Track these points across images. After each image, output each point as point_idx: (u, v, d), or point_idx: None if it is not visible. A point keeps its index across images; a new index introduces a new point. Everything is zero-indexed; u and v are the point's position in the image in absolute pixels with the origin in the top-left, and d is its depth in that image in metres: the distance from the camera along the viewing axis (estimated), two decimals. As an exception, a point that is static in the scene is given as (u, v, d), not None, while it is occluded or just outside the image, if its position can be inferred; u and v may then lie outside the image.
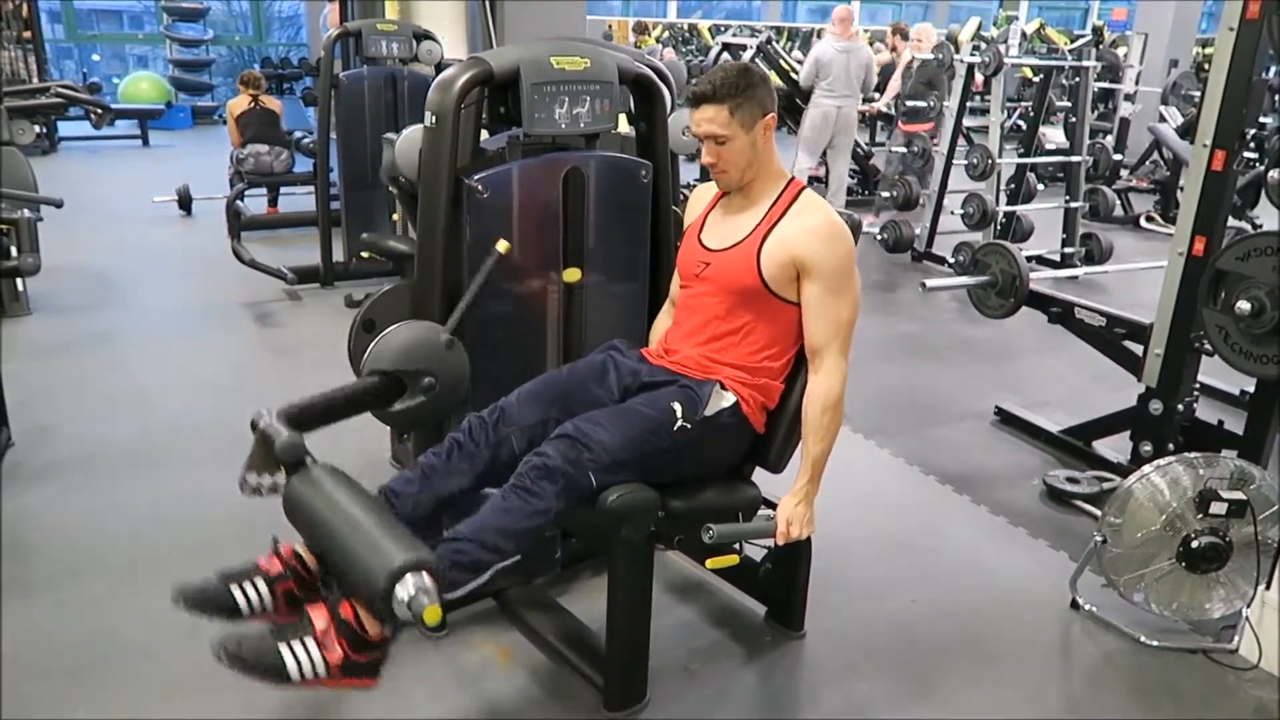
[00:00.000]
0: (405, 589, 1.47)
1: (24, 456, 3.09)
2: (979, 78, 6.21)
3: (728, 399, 1.96)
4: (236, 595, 1.68)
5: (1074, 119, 6.25)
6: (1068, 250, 6.22)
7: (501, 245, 2.07)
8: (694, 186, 2.27)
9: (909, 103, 6.92)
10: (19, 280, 4.50)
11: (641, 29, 12.43)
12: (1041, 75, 6.59)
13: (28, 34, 9.61)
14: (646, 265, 2.36)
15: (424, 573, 1.50)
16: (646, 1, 18.45)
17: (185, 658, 2.17)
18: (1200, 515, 2.31)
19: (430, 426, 2.17)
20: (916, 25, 6.98)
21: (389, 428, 2.77)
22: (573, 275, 2.22)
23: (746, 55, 7.83)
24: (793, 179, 2.03)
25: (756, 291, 1.96)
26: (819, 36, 11.28)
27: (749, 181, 2.00)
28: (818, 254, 1.92)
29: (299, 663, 1.57)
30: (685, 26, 14.07)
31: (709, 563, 2.10)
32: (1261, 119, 6.11)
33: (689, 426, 1.89)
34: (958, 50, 6.51)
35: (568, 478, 1.76)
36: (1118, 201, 7.43)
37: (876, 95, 7.86)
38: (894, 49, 7.85)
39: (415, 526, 1.72)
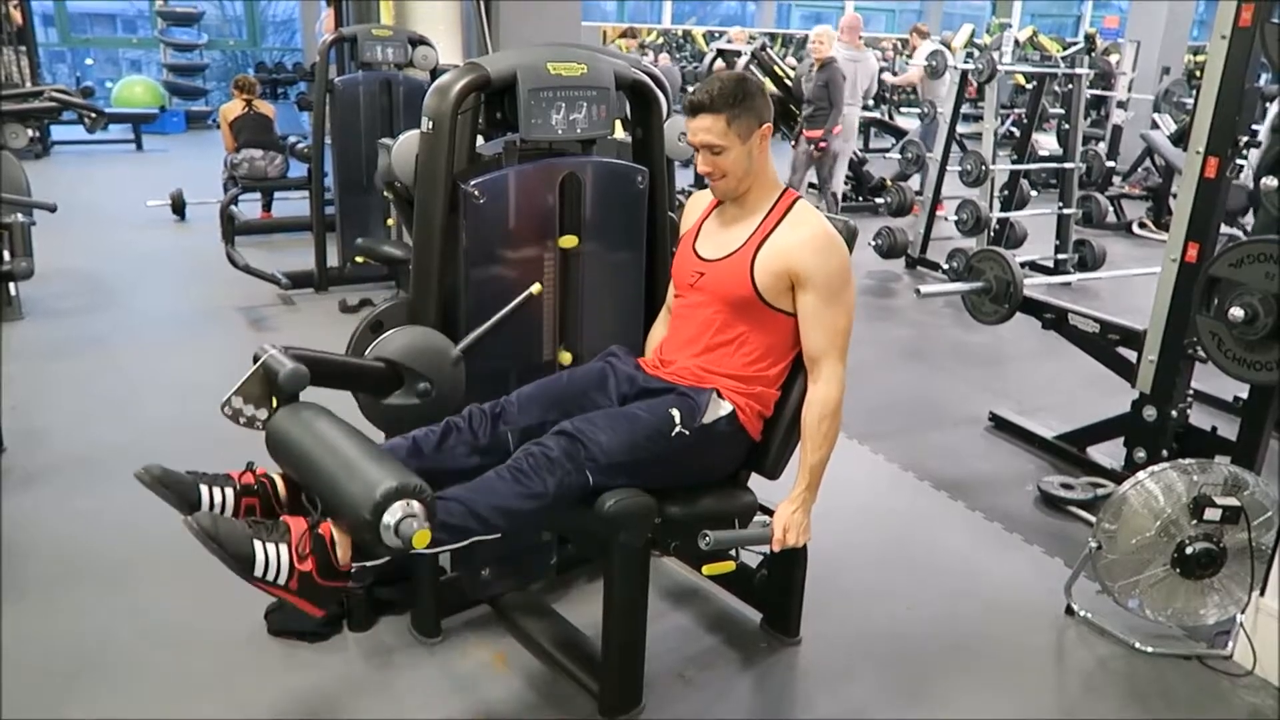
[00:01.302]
0: (393, 514, 1.45)
1: (17, 461, 3.08)
2: (973, 84, 6.23)
3: (725, 407, 1.96)
4: (202, 490, 1.72)
5: (1067, 126, 6.28)
6: (1061, 256, 6.24)
7: (535, 288, 2.13)
8: (689, 192, 2.27)
9: (808, 106, 6.77)
10: (12, 284, 4.49)
11: (623, 34, 12.13)
12: (1035, 82, 6.61)
13: (19, 18, 9.49)
14: (642, 271, 2.36)
15: (413, 500, 1.49)
16: (641, 4, 18.48)
17: (178, 661, 2.17)
18: (1194, 521, 2.31)
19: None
20: (816, 28, 6.89)
21: (376, 428, 2.76)
22: (570, 241, 2.20)
23: (741, 62, 7.85)
24: (787, 189, 2.04)
25: (750, 302, 1.96)
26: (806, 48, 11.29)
27: (744, 191, 2.01)
28: (811, 265, 1.92)
29: (267, 562, 1.57)
30: (680, 32, 14.09)
31: (705, 569, 2.09)
32: (1254, 126, 6.13)
33: (687, 433, 1.89)
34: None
35: (565, 471, 1.77)
36: (1110, 208, 7.46)
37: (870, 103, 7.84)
38: (914, 51, 7.89)
39: None
